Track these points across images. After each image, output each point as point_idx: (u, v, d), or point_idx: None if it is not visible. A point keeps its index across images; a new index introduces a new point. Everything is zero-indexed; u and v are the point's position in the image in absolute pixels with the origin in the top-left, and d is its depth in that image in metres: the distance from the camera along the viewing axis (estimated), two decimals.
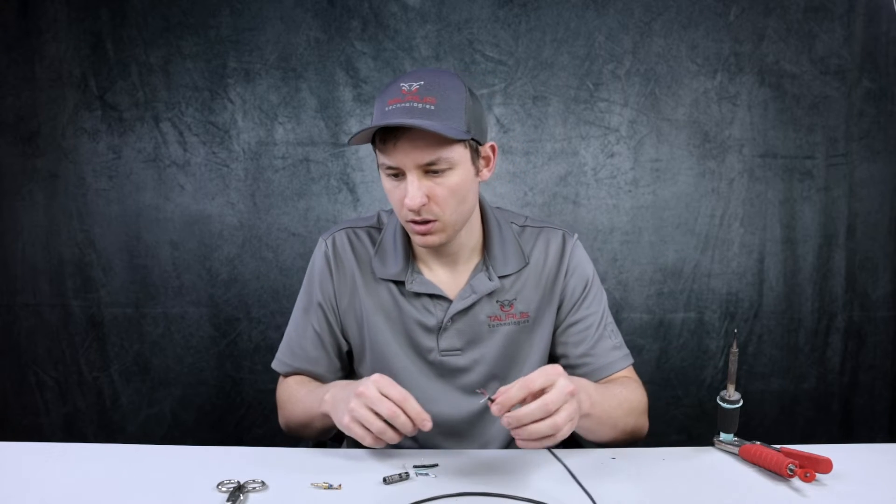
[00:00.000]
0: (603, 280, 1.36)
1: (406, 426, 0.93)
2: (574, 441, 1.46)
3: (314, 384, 1.22)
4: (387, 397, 0.94)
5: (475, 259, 1.21)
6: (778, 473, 0.96)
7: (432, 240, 1.10)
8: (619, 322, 2.13)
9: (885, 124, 2.12)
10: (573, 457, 1.06)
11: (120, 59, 2.06)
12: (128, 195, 2.10)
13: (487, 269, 1.20)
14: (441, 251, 1.18)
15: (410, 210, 1.06)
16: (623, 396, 1.14)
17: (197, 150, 2.09)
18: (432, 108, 1.02)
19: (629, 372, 1.25)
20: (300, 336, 1.26)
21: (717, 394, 1.08)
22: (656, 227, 2.14)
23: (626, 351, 1.26)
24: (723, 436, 1.08)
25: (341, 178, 2.11)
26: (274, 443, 1.09)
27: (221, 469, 0.95)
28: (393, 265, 1.20)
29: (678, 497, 0.93)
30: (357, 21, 2.07)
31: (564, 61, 2.09)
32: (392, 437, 0.94)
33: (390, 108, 1.03)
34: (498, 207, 1.29)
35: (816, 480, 0.96)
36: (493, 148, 1.15)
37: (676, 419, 2.16)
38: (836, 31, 2.09)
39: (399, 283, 1.19)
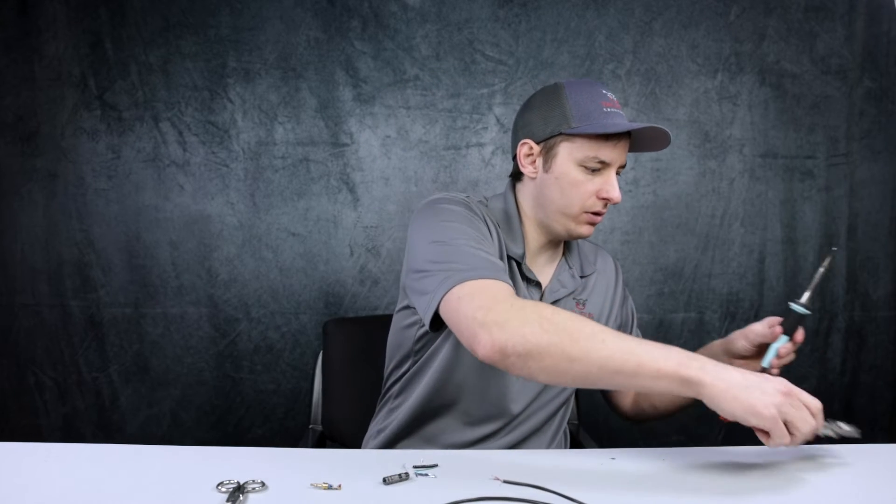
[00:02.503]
0: None
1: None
2: (576, 441, 1.47)
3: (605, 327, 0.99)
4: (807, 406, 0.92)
5: (558, 257, 1.29)
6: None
7: (592, 230, 1.21)
8: None
9: (885, 124, 2.11)
10: (574, 457, 1.06)
11: (119, 58, 2.06)
12: (127, 195, 2.09)
13: (570, 267, 1.29)
14: (551, 245, 1.26)
15: (614, 202, 1.16)
16: None
17: (196, 150, 2.09)
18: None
19: None
20: (486, 254, 1.08)
21: None
22: (657, 227, 2.14)
23: None
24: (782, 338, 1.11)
25: (341, 178, 2.11)
26: (273, 443, 1.09)
27: (221, 469, 0.95)
28: (516, 247, 1.22)
29: (678, 497, 0.92)
30: (357, 21, 2.06)
31: (565, 61, 2.09)
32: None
33: (609, 110, 1.16)
34: None
35: (818, 480, 0.96)
36: None
37: (676, 419, 2.13)
38: (837, 31, 2.09)
39: (518, 265, 1.23)
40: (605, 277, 1.34)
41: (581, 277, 1.29)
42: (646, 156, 2.12)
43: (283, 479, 0.94)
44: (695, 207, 2.14)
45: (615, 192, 1.16)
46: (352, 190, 2.11)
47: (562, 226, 1.20)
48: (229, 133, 2.08)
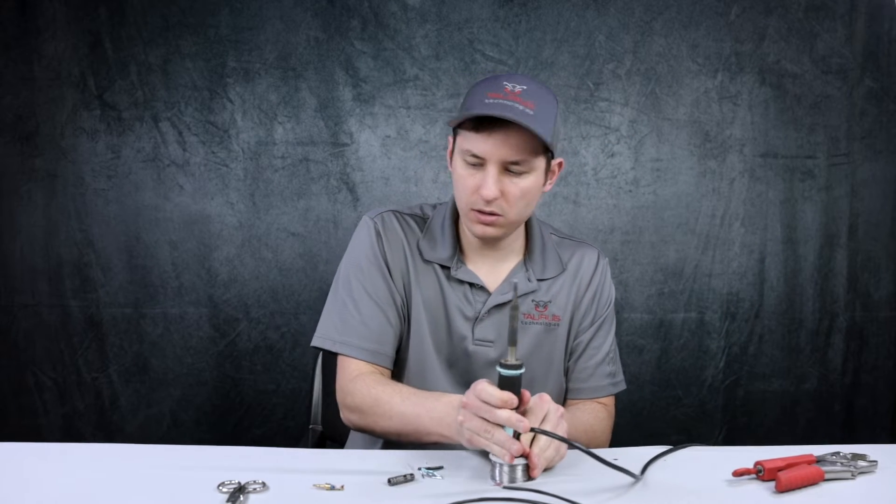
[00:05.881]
0: None
1: (511, 420, 0.92)
2: None
3: (408, 391, 1.14)
4: (485, 401, 0.93)
5: (515, 259, 1.26)
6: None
7: (490, 231, 1.16)
8: (620, 322, 2.11)
9: (886, 124, 2.11)
10: (574, 456, 1.05)
11: (119, 58, 2.05)
12: (127, 195, 2.09)
13: (527, 270, 1.25)
14: (489, 246, 1.23)
15: (485, 200, 1.11)
16: (588, 426, 1.21)
17: (196, 150, 2.08)
18: (531, 112, 1.08)
19: (609, 400, 1.31)
20: (367, 317, 1.20)
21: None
22: (657, 227, 2.13)
23: (620, 378, 1.32)
24: None
25: (341, 178, 2.10)
26: (273, 443, 1.09)
27: (222, 470, 0.95)
28: (441, 250, 1.23)
29: (678, 498, 0.92)
30: (357, 20, 2.06)
31: (565, 61, 2.08)
32: (504, 439, 0.92)
33: (491, 100, 1.08)
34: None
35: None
36: (560, 164, 1.23)
37: (676, 419, 2.15)
38: (838, 31, 2.08)
39: (444, 269, 1.23)
40: (575, 277, 1.28)
41: (540, 280, 1.24)
42: (646, 156, 2.11)
43: (284, 479, 0.93)
44: (695, 207, 2.13)
45: (486, 190, 1.09)
46: (352, 190, 2.11)
47: (465, 223, 1.19)
48: (229, 133, 2.08)
